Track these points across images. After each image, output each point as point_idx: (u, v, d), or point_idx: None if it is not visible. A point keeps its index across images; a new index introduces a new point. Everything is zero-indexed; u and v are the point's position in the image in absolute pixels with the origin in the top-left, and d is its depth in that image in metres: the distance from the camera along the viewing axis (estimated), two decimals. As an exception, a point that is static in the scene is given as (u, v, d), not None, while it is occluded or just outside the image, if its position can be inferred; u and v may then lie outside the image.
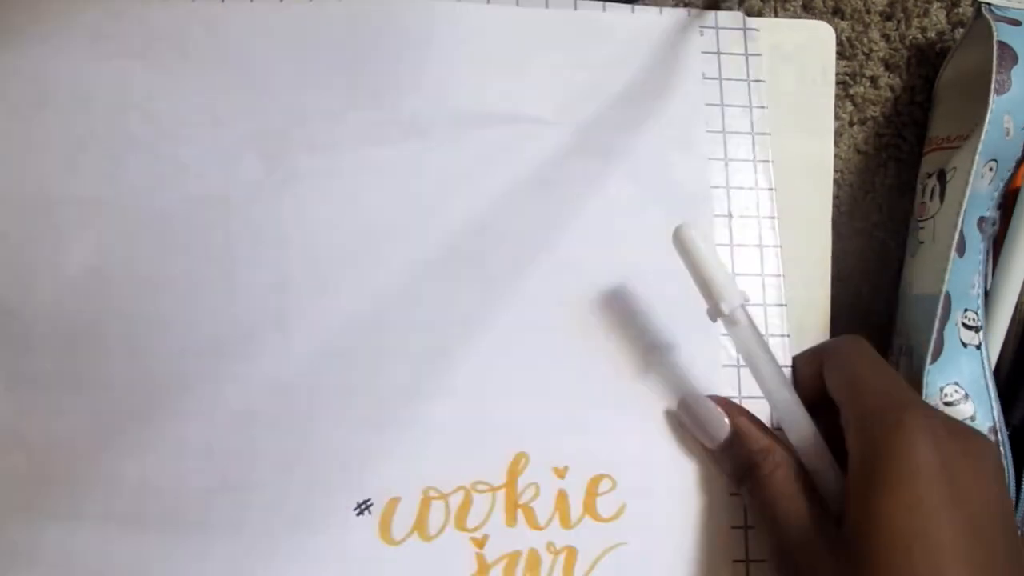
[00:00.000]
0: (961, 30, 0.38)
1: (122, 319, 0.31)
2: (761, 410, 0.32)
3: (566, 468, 0.31)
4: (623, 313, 0.33)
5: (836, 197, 0.37)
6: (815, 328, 0.35)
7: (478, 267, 0.32)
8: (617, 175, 0.34)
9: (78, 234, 0.32)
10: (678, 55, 0.36)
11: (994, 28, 0.33)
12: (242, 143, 0.33)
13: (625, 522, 0.31)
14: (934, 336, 0.32)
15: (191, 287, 0.31)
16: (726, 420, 0.30)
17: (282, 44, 0.34)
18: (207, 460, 0.30)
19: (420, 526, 0.30)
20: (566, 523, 0.30)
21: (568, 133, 0.34)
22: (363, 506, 0.30)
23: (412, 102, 0.34)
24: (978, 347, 0.32)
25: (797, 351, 0.34)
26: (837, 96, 0.37)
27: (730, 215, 0.34)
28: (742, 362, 0.32)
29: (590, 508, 0.31)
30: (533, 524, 0.30)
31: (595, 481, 0.31)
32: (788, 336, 0.34)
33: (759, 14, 0.38)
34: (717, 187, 0.34)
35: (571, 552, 0.30)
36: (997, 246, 0.34)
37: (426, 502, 0.30)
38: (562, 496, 0.31)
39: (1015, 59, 0.33)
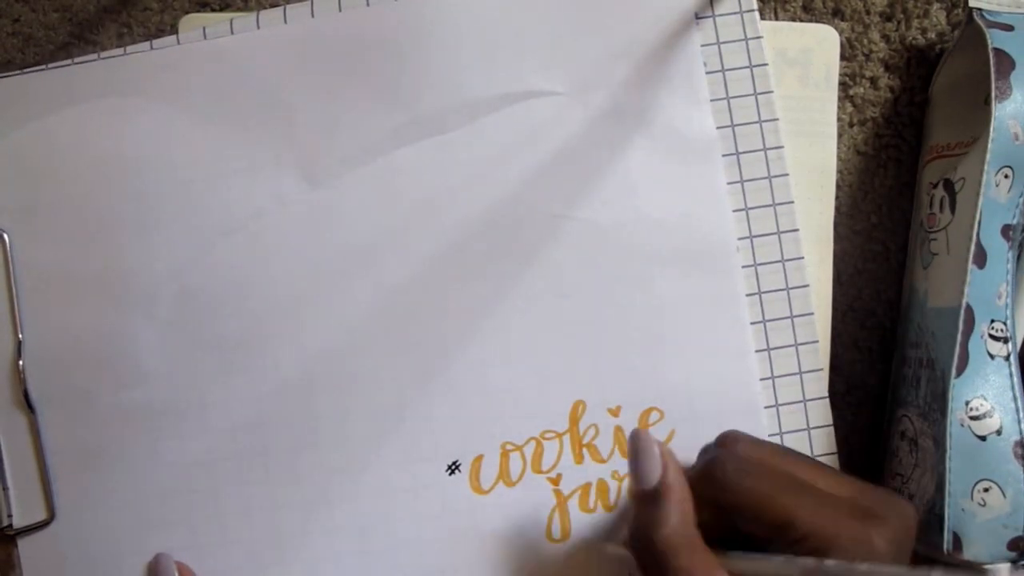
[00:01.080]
0: (961, 31, 0.38)
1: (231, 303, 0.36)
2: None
3: (619, 407, 0.35)
4: (648, 262, 0.35)
5: (836, 198, 0.37)
6: (816, 331, 0.36)
7: (514, 241, 0.35)
8: (630, 135, 0.36)
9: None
10: (677, 14, 0.36)
11: (987, 35, 0.32)
12: (282, 166, 0.36)
13: (675, 444, 0.35)
14: (957, 349, 0.31)
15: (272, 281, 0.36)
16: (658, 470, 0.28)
17: (296, 65, 0.36)
18: (319, 453, 0.35)
19: (503, 475, 0.35)
20: (625, 453, 0.35)
21: (581, 101, 0.36)
22: (453, 467, 0.35)
23: (427, 99, 0.36)
24: (1007, 358, 0.32)
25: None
26: (837, 97, 0.37)
27: (736, 141, 0.36)
28: (761, 289, 0.35)
29: None
30: (597, 458, 0.35)
31: (645, 415, 0.35)
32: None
33: (759, 14, 0.37)
34: (723, 127, 0.36)
35: None
36: (1023, 253, 0.34)
37: (505, 455, 0.35)
38: (619, 431, 0.35)
39: (1012, 64, 0.32)
